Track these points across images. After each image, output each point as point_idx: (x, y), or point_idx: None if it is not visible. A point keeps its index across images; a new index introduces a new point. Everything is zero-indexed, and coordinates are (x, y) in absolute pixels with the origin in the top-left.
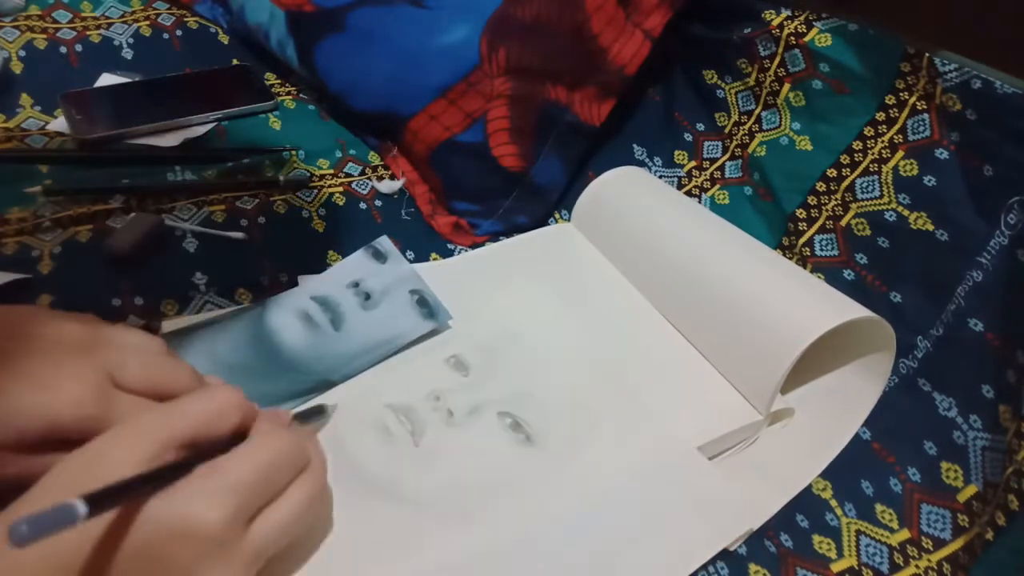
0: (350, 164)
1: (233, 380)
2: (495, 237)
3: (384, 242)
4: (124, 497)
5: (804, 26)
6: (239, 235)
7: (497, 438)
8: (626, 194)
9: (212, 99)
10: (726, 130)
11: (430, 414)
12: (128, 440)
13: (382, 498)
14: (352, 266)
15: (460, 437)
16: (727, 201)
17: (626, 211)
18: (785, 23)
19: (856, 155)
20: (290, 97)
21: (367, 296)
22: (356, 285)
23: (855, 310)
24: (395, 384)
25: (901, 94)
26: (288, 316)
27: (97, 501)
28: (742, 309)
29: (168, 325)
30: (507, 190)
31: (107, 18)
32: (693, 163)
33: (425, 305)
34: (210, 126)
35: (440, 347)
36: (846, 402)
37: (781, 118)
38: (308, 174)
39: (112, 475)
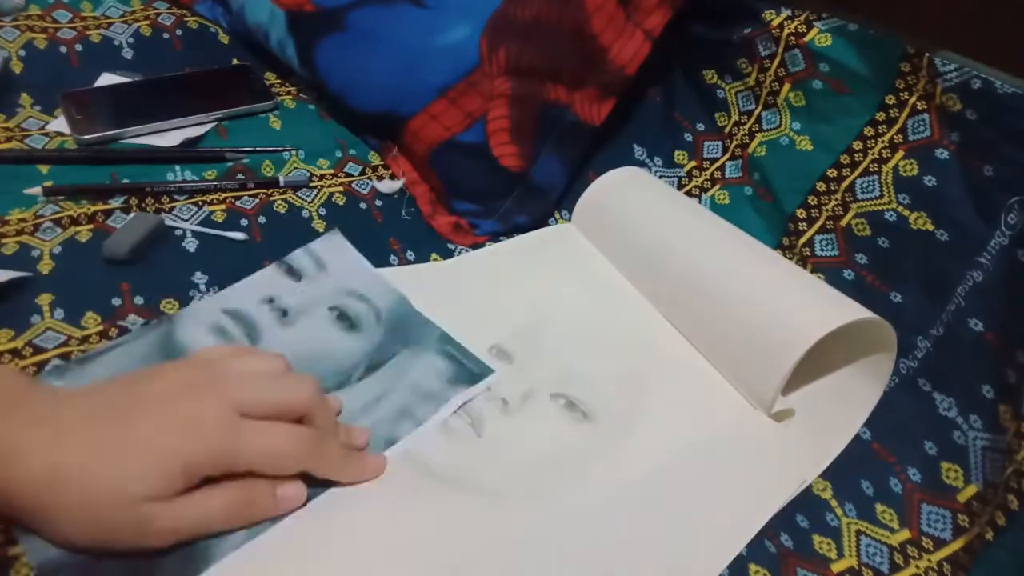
0: (350, 164)
1: None
2: (495, 237)
3: (297, 257)
4: None
5: (804, 26)
6: (240, 235)
7: (554, 419)
8: (626, 195)
9: (212, 99)
10: (726, 130)
11: (486, 405)
12: None
13: (453, 490)
14: (265, 281)
15: (519, 423)
16: (727, 201)
17: (626, 212)
18: (785, 23)
19: (856, 155)
20: (290, 97)
21: (284, 313)
22: (271, 301)
23: (856, 311)
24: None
25: (901, 94)
26: (199, 331)
27: None
28: (743, 311)
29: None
30: (507, 190)
31: (107, 18)
32: (693, 163)
33: (345, 319)
34: (210, 126)
35: (479, 339)
36: (846, 402)
37: (781, 118)
38: (308, 174)
39: None
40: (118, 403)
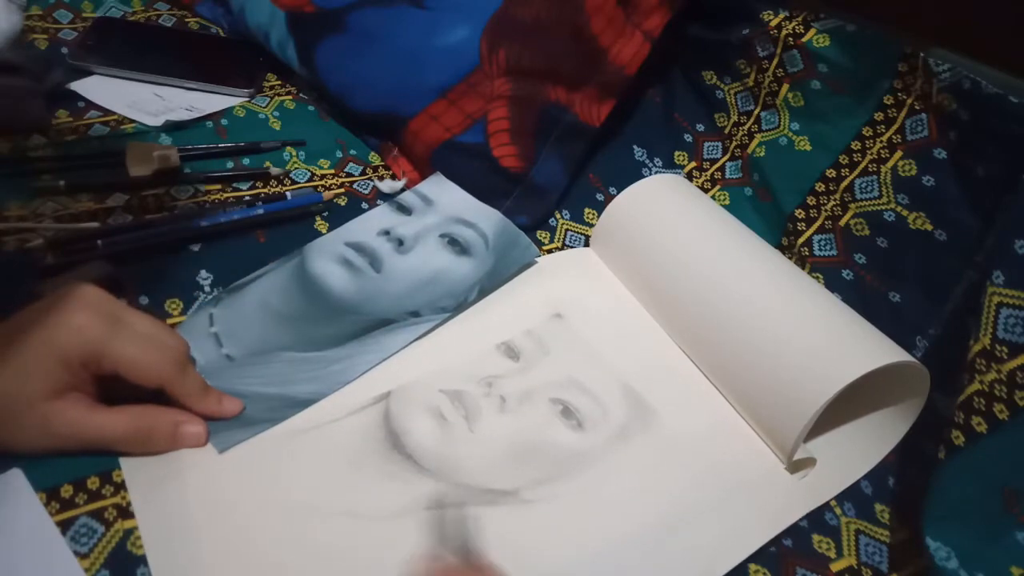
0: (351, 164)
1: (293, 329)
2: None
3: (405, 196)
4: None
5: (802, 27)
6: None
7: (549, 424)
8: (639, 222)
9: (202, 70)
10: (726, 131)
11: (483, 400)
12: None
13: (440, 482)
14: (379, 217)
15: (513, 424)
16: (727, 202)
17: (635, 248)
18: (783, 24)
19: (855, 155)
20: (290, 97)
21: (400, 242)
22: (387, 233)
23: (882, 356)
24: (449, 371)
25: (899, 94)
26: (327, 263)
27: None
28: (767, 356)
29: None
30: (507, 190)
31: None
32: (693, 164)
33: (456, 244)
34: (194, 114)
35: (491, 334)
36: (868, 439)
37: (780, 118)
38: (312, 181)
39: None
40: (18, 319)
